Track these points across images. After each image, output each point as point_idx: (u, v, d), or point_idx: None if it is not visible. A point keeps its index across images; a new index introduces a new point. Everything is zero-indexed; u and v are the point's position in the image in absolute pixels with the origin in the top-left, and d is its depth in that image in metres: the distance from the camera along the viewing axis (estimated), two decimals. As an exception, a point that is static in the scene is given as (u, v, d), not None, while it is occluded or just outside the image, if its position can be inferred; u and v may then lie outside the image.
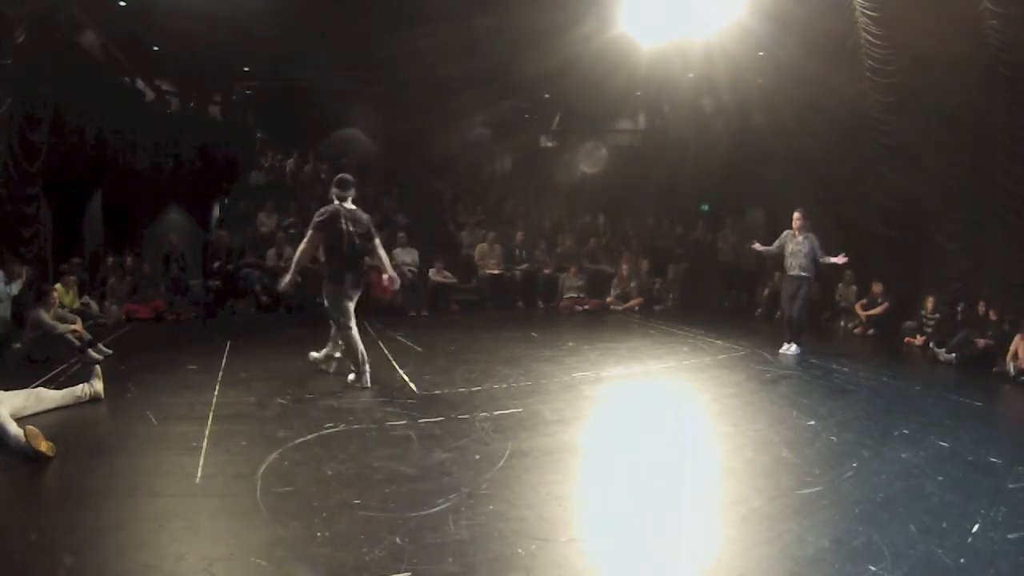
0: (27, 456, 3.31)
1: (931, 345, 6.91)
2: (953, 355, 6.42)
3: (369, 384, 4.85)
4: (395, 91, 14.08)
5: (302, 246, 4.89)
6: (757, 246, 7.10)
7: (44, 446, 3.33)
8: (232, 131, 13.93)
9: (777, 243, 6.83)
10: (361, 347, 4.93)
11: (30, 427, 3.40)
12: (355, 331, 4.90)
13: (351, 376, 4.96)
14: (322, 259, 4.99)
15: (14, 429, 3.43)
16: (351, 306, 4.88)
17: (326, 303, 4.91)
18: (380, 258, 5.14)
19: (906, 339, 7.48)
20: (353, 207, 4.96)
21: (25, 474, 3.20)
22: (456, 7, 9.51)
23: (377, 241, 5.10)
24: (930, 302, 7.46)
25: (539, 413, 4.36)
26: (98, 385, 4.46)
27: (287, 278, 5.01)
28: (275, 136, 14.77)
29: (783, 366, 6.12)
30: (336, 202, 4.92)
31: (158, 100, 12.76)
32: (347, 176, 5.09)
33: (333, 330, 5.17)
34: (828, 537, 2.63)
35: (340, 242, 4.80)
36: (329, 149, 14.74)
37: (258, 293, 8.90)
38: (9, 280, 6.65)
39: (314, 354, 5.40)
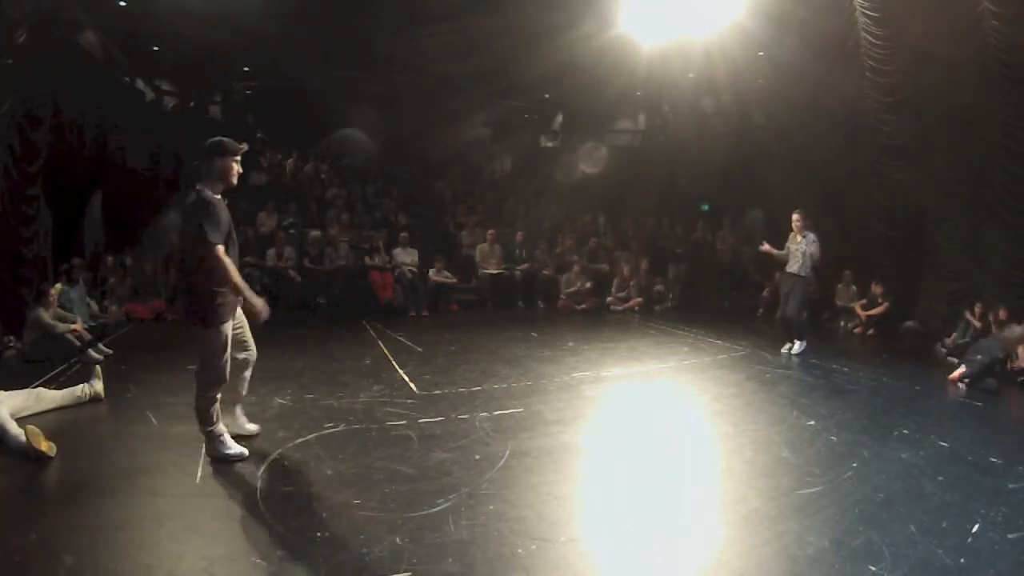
0: (27, 456, 3.31)
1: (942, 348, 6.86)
2: (957, 359, 6.41)
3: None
4: (395, 91, 14.07)
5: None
6: (766, 246, 6.91)
7: (44, 446, 3.33)
8: (232, 131, 13.91)
9: (787, 246, 6.79)
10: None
11: (30, 427, 3.40)
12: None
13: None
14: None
15: (14, 429, 3.44)
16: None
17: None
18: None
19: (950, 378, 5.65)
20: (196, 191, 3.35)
21: (25, 474, 3.20)
22: (456, 7, 9.51)
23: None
24: (978, 310, 6.88)
25: (539, 413, 4.37)
26: (98, 385, 4.46)
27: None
28: (275, 136, 14.76)
29: (783, 366, 6.12)
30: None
31: (158, 100, 12.75)
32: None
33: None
34: (828, 537, 2.63)
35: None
36: (329, 149, 14.73)
37: (258, 293, 8.90)
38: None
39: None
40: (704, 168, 11.83)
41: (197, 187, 3.32)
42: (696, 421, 4.48)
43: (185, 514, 2.79)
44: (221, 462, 3.36)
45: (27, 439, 3.32)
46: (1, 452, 3.37)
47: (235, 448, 3.41)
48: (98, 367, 4.66)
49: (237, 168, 3.43)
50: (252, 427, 3.80)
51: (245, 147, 3.47)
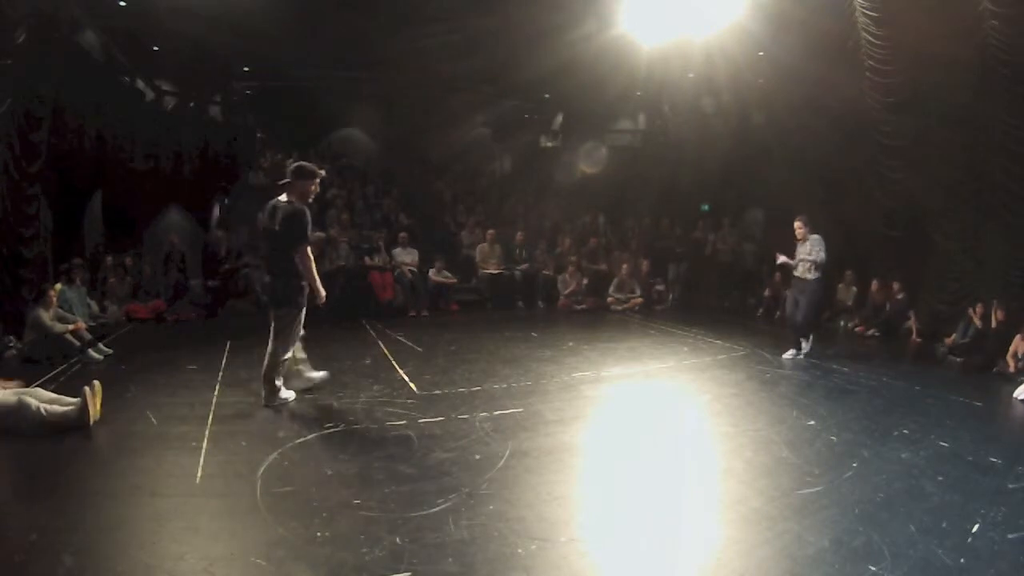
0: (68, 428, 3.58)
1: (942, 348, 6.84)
2: (959, 359, 6.42)
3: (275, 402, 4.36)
4: (395, 91, 14.06)
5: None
6: (782, 258, 6.79)
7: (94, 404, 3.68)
8: (232, 131, 13.92)
9: (796, 254, 6.73)
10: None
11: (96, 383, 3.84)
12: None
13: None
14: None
15: (34, 403, 3.65)
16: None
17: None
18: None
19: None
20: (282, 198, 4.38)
21: (25, 474, 3.20)
22: (456, 7, 9.51)
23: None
24: (979, 309, 6.71)
25: (539, 413, 4.37)
26: (91, 408, 3.93)
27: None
28: (275, 136, 14.76)
29: (783, 366, 6.12)
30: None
31: (158, 100, 12.75)
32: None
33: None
34: (828, 537, 2.63)
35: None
36: (329, 149, 14.74)
37: (258, 293, 8.91)
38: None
39: None
40: (704, 168, 11.82)
41: (288, 199, 4.30)
42: (696, 421, 4.48)
43: (185, 514, 2.79)
44: (277, 408, 4.30)
45: (85, 398, 3.64)
46: (1, 452, 3.37)
47: (288, 394, 4.45)
48: (97, 384, 4.06)
49: (315, 188, 4.44)
50: (320, 374, 4.85)
51: (323, 173, 4.55)
